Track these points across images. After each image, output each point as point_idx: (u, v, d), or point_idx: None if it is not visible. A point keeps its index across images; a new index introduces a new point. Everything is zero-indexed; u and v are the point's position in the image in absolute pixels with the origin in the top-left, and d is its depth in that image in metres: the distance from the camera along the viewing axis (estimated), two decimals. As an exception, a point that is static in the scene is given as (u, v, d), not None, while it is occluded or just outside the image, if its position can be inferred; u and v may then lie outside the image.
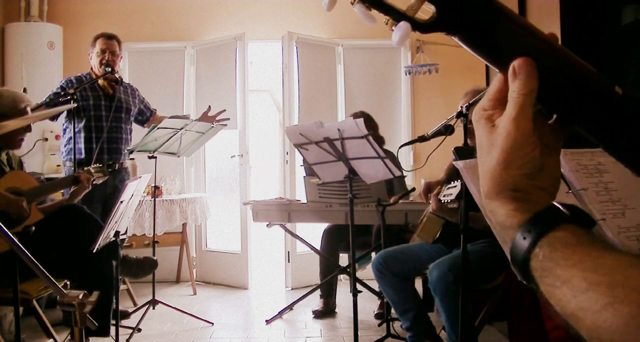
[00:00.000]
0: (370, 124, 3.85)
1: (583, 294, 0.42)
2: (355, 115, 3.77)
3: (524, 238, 0.48)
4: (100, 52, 3.62)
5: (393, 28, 0.48)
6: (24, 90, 3.94)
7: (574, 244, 0.46)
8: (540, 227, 0.48)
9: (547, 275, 0.46)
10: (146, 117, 3.93)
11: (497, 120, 0.51)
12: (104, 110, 3.61)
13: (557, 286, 0.45)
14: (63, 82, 3.61)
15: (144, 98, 3.95)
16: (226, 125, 3.81)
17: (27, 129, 2.75)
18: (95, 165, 3.02)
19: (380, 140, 3.83)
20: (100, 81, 3.61)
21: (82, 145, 3.52)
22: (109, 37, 3.68)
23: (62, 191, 3.31)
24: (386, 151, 3.21)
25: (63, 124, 3.66)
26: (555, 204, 0.50)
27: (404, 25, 0.47)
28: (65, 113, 3.52)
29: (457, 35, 0.50)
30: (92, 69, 3.70)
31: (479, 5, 0.48)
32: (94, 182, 2.95)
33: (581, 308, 0.42)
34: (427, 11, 0.48)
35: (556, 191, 0.52)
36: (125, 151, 3.75)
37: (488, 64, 0.52)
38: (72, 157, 3.38)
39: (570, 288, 0.44)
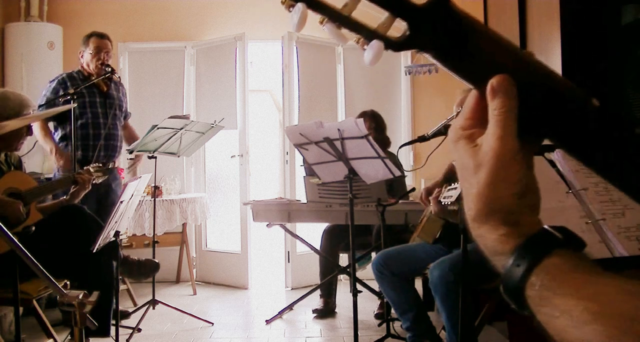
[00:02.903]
0: (380, 124, 3.85)
1: (585, 326, 0.41)
2: (364, 114, 3.76)
3: (518, 265, 0.46)
4: (96, 52, 3.61)
5: (365, 47, 0.46)
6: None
7: (570, 271, 0.45)
8: (535, 253, 0.46)
9: (545, 304, 0.45)
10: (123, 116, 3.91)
11: (479, 139, 0.49)
12: (99, 108, 3.63)
13: (556, 316, 0.44)
14: (55, 82, 3.57)
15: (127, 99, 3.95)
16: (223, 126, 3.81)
17: (29, 132, 2.75)
18: (94, 164, 3.02)
19: (385, 142, 3.81)
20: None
21: (79, 143, 3.52)
22: (102, 36, 3.69)
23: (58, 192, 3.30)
24: (389, 154, 3.21)
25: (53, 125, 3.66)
26: (546, 227, 0.48)
27: (375, 44, 0.46)
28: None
29: (430, 52, 0.48)
30: (82, 66, 3.70)
31: (451, 21, 0.47)
32: (94, 182, 2.95)
33: (583, 340, 0.42)
34: (398, 28, 0.46)
35: (539, 206, 0.50)
36: (126, 150, 3.76)
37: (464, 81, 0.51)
38: (72, 157, 3.38)
39: (570, 319, 0.42)
